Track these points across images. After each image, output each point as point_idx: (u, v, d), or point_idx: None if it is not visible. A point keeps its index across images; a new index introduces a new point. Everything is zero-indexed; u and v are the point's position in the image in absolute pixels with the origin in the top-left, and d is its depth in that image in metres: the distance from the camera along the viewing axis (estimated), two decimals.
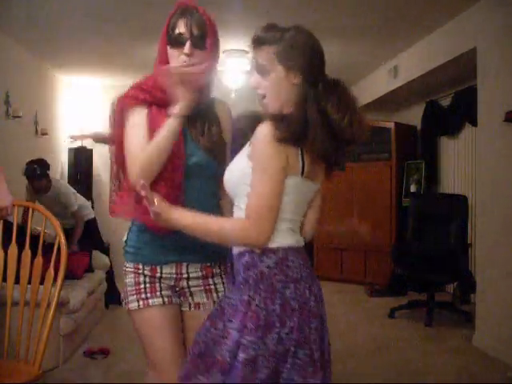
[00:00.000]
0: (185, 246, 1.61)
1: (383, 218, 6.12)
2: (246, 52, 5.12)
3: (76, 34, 4.75)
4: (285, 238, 1.45)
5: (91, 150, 6.52)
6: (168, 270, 1.66)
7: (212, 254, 1.67)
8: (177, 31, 1.59)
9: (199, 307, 1.69)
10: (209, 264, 1.70)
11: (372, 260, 6.25)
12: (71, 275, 4.09)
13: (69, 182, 6.46)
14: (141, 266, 1.66)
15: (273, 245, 1.42)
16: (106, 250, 5.51)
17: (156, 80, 1.60)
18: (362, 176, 6.30)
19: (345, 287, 6.07)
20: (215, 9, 4.08)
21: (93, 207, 6.37)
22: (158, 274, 1.65)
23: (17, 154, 4.87)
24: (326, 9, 4.17)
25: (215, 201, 1.69)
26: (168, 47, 1.62)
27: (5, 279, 2.26)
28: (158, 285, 1.66)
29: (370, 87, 6.48)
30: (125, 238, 1.74)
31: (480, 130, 4.17)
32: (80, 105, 6.68)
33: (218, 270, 1.72)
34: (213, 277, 1.70)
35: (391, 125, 6.17)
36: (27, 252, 2.24)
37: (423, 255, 4.66)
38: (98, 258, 4.91)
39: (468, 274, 4.66)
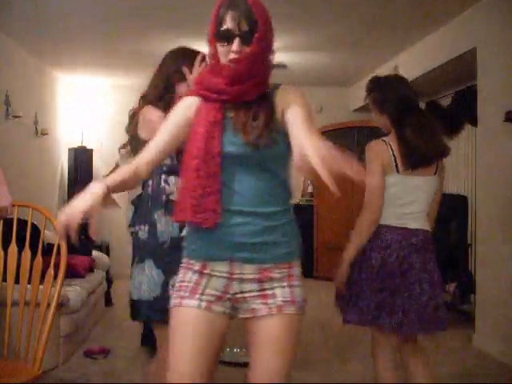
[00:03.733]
0: (240, 243, 1.51)
1: None
2: None
3: (76, 34, 4.75)
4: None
5: (91, 150, 6.53)
6: (220, 268, 1.54)
7: (272, 255, 1.53)
8: (224, 26, 1.48)
9: (254, 312, 1.54)
10: (266, 266, 1.53)
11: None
12: (75, 274, 4.11)
13: (69, 182, 6.48)
14: (192, 261, 1.58)
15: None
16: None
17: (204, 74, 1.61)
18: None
19: None
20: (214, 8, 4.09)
21: None
22: (208, 271, 1.54)
23: (17, 154, 4.87)
24: (326, 9, 4.17)
25: (269, 190, 1.54)
26: (217, 43, 1.51)
27: (5, 279, 2.26)
28: (201, 287, 1.54)
29: None
30: (183, 233, 1.69)
31: (480, 130, 4.17)
32: (80, 105, 6.68)
33: (279, 275, 1.54)
34: (271, 280, 1.53)
35: None
36: (27, 252, 2.24)
37: None
38: (98, 258, 4.92)
39: (468, 273, 4.66)
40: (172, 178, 2.16)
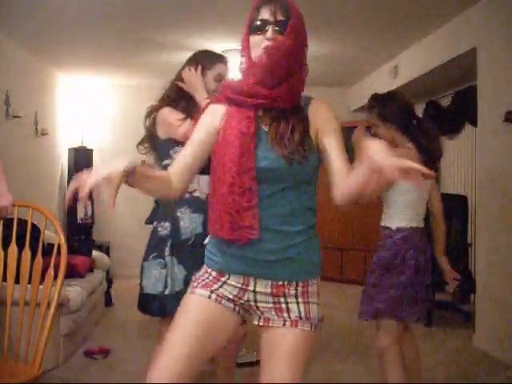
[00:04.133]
0: (252, 261, 1.50)
1: None
2: None
3: (76, 34, 4.75)
4: None
5: (91, 150, 6.52)
6: (235, 279, 1.54)
7: (287, 272, 1.51)
8: (259, 17, 1.48)
9: (268, 323, 1.53)
10: (281, 283, 1.51)
11: (372, 260, 6.23)
12: (75, 274, 4.11)
13: (69, 182, 6.46)
14: (209, 270, 1.58)
15: None
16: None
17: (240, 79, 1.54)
18: None
19: (345, 287, 6.06)
20: (215, 8, 4.09)
21: (92, 207, 6.38)
22: (224, 279, 1.54)
23: (17, 154, 4.87)
24: (326, 10, 4.17)
25: (298, 207, 1.51)
26: (250, 37, 1.50)
27: (5, 279, 2.26)
28: (215, 285, 1.54)
29: (370, 87, 6.47)
30: (205, 242, 1.70)
31: (480, 130, 4.17)
32: (80, 105, 6.68)
33: (293, 291, 1.52)
34: (285, 296, 1.51)
35: None
36: (27, 252, 2.24)
37: None
38: (98, 258, 4.92)
39: (468, 273, 4.66)
40: (195, 176, 2.19)
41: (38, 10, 4.11)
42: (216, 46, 4.32)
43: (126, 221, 6.44)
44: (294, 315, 1.51)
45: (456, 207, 4.85)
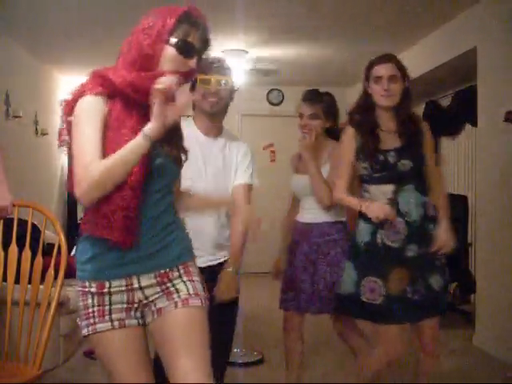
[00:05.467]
0: (133, 259, 1.51)
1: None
2: (246, 52, 5.11)
3: (76, 34, 4.75)
4: None
5: None
6: (117, 283, 1.52)
7: (168, 260, 1.56)
8: (189, 39, 1.50)
9: (161, 313, 1.54)
10: (163, 271, 1.55)
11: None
12: (75, 274, 4.09)
13: (69, 182, 6.47)
14: (87, 284, 1.57)
15: None
16: None
17: (135, 76, 1.45)
18: None
19: None
20: (215, 8, 4.10)
21: None
22: (106, 290, 1.52)
23: (17, 154, 4.87)
24: (326, 10, 4.17)
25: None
26: (170, 49, 1.49)
27: (5, 279, 2.26)
28: (107, 307, 1.53)
29: None
30: (72, 253, 1.64)
31: (480, 130, 4.17)
32: None
33: (177, 273, 1.57)
34: (170, 280, 1.55)
35: None
36: (27, 252, 2.24)
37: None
38: None
39: (468, 274, 4.65)
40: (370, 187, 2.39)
41: (39, 10, 4.11)
42: (216, 45, 4.32)
43: None
44: (183, 294, 1.54)
45: (456, 207, 4.85)
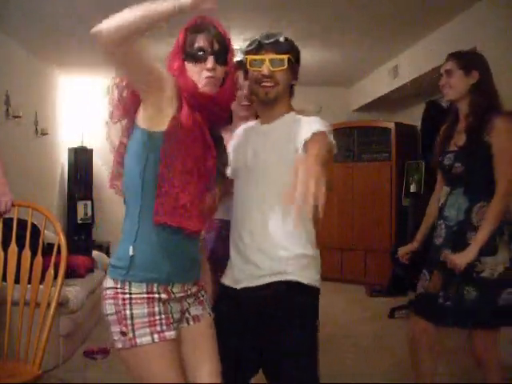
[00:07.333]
0: (191, 265, 1.56)
1: (383, 217, 6.12)
2: None
3: (76, 33, 4.74)
4: None
5: (91, 150, 6.53)
6: (177, 290, 1.51)
7: (198, 269, 1.61)
8: (196, 45, 1.54)
9: (198, 320, 1.58)
10: (198, 279, 1.62)
11: (372, 260, 6.24)
12: (75, 274, 4.11)
13: (69, 182, 6.48)
14: (155, 288, 1.45)
15: None
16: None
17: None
18: (362, 176, 6.30)
19: (345, 287, 6.06)
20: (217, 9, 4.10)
21: (92, 207, 6.38)
22: (173, 296, 1.50)
23: (17, 154, 4.87)
24: (327, 9, 4.17)
25: None
26: (186, 62, 1.56)
27: (5, 279, 2.26)
28: (170, 316, 1.49)
29: (370, 87, 6.48)
30: (131, 253, 1.43)
31: None
32: (80, 105, 6.67)
33: (198, 286, 1.63)
34: (200, 290, 1.62)
35: (391, 125, 6.17)
36: (27, 252, 2.24)
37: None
38: (98, 258, 4.92)
39: None
40: None
41: (39, 10, 4.11)
42: None
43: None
44: (207, 305, 1.64)
45: None
